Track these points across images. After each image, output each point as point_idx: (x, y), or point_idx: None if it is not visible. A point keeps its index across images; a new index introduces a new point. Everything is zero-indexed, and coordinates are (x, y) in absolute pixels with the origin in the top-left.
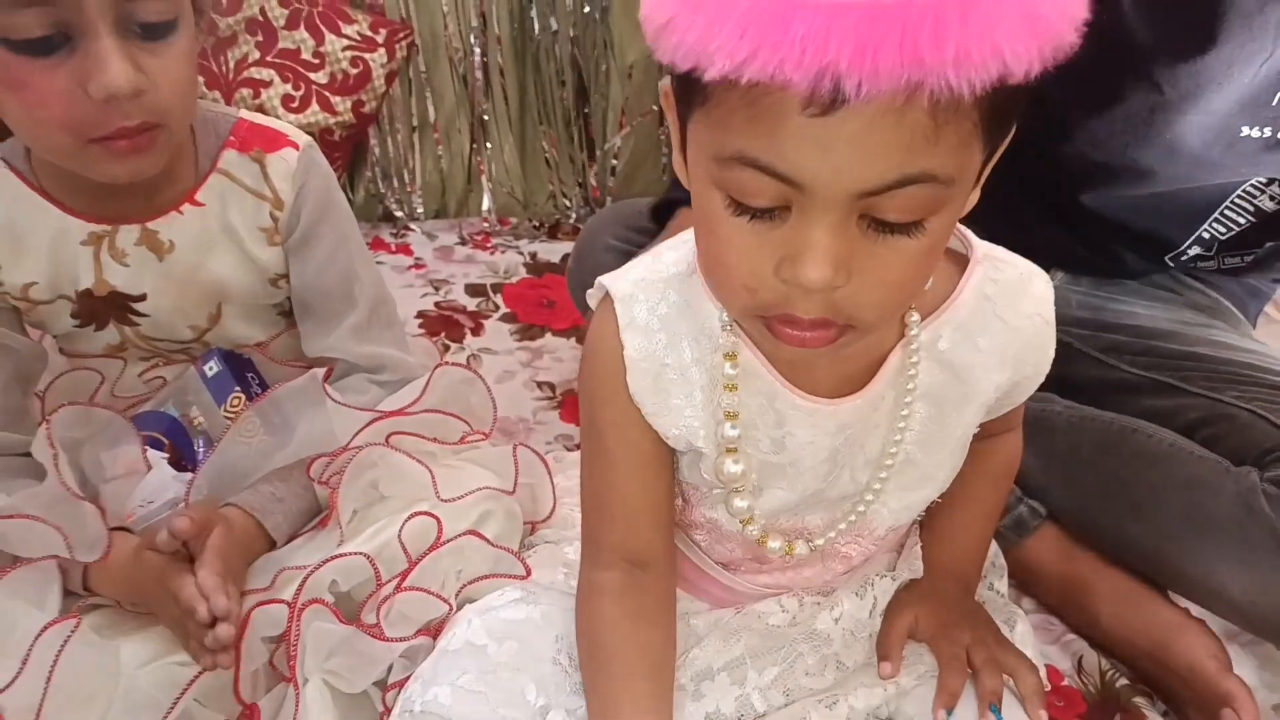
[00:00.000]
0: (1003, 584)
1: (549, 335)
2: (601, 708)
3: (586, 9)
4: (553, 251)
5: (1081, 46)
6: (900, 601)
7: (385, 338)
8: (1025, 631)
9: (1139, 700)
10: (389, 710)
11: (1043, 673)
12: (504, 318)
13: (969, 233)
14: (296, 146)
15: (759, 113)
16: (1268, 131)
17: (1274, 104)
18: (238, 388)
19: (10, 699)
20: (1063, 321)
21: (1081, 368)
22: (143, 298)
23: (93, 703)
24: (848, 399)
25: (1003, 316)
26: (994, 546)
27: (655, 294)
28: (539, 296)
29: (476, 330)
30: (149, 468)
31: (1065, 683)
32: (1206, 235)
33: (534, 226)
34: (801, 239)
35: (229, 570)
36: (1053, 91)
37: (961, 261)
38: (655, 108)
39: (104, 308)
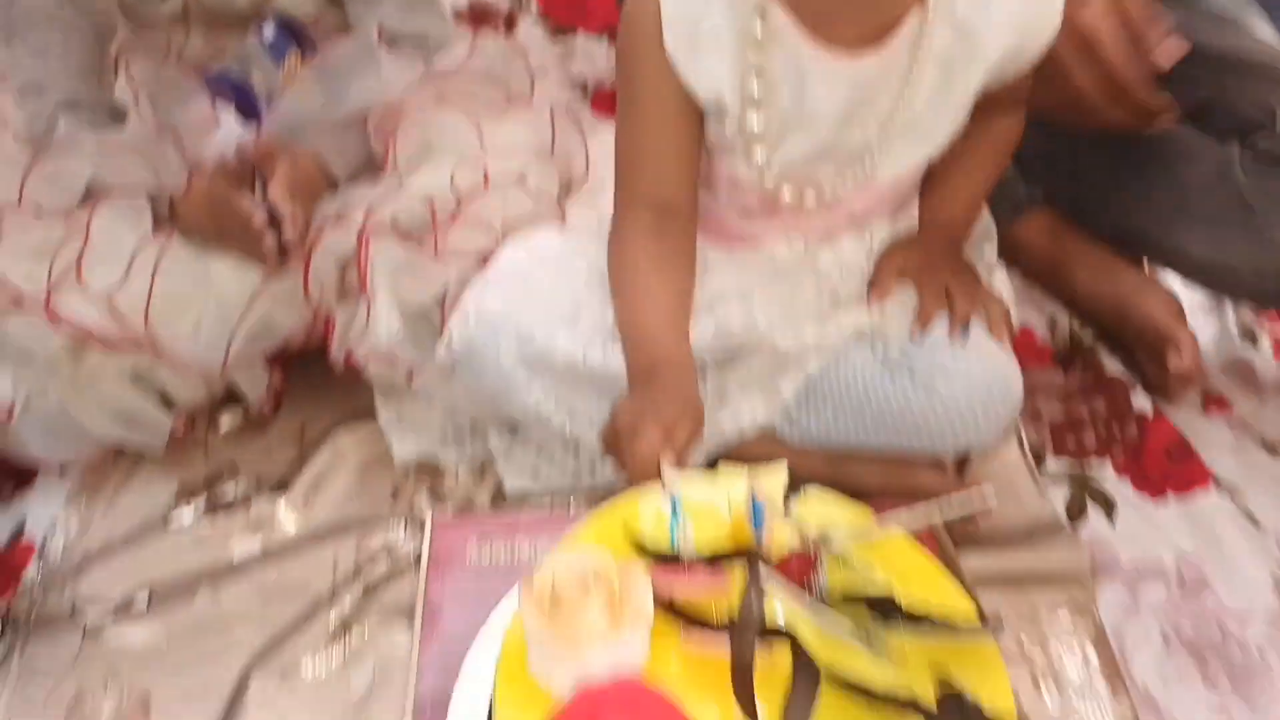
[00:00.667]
0: (991, 250)
1: (581, 35)
2: (630, 318)
3: None
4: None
5: None
6: (894, 247)
7: (429, 11)
8: (1002, 281)
9: (1099, 350)
10: (445, 321)
11: (1014, 316)
12: (537, 19)
13: None
14: None
15: None
16: None
17: None
18: (294, 51)
19: (120, 298)
20: None
21: None
22: None
23: (190, 304)
24: (866, 54)
25: None
26: (988, 219)
27: None
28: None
29: (510, 27)
30: (217, 120)
31: (1039, 341)
32: None
33: None
34: None
35: (297, 190)
36: None
37: None
38: None
39: None
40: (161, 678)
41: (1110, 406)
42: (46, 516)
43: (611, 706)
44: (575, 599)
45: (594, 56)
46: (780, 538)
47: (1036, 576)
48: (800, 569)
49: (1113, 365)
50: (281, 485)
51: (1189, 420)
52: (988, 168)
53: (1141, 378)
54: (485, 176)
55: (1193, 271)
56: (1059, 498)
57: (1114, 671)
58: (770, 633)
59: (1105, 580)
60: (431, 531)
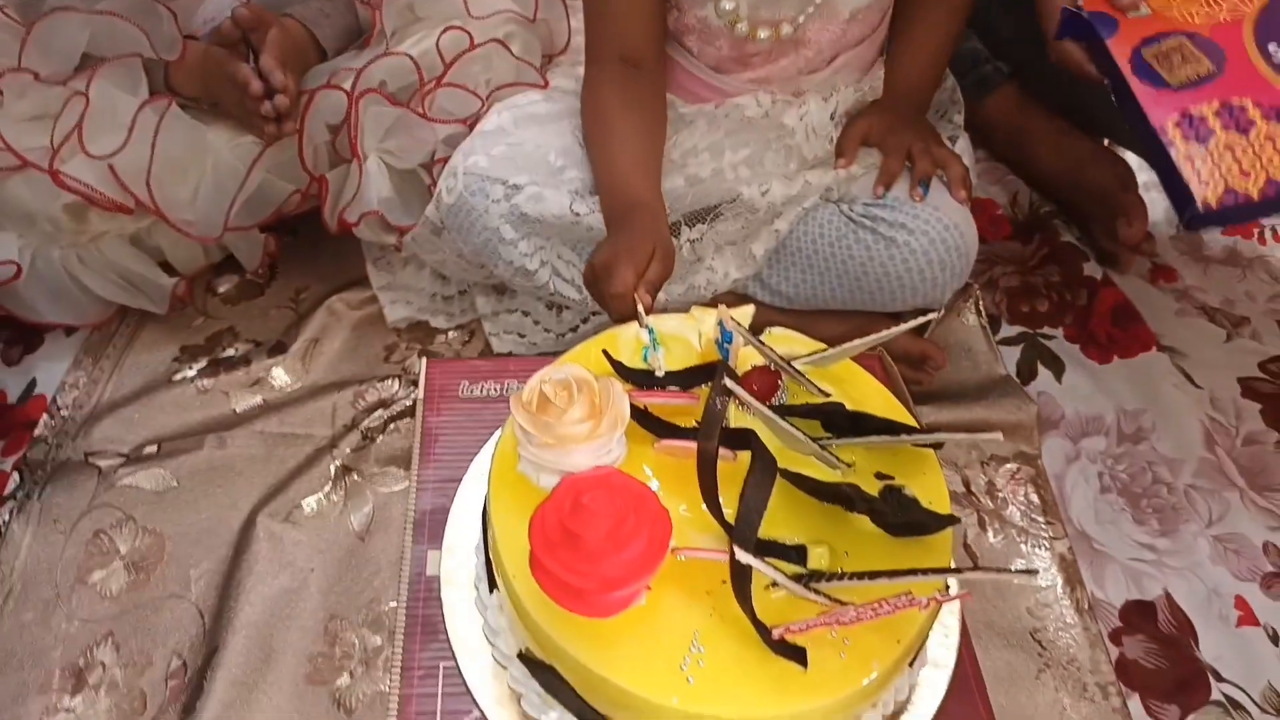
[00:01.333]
0: (959, 116)
1: None
2: (603, 165)
3: None
4: None
5: None
6: (858, 114)
7: None
8: (965, 147)
9: (1056, 222)
10: (435, 182)
11: (973, 178)
12: None
13: None
14: None
15: None
16: None
17: None
18: None
19: (121, 163)
20: None
21: None
22: None
23: (188, 171)
24: None
25: None
26: (955, 89)
27: None
28: None
29: None
30: None
31: (1000, 213)
32: None
33: None
34: None
35: (287, 58)
36: None
37: None
38: None
39: None
40: (174, 517)
41: (1063, 274)
42: (56, 375)
43: (592, 489)
44: (560, 403)
45: None
46: (745, 358)
47: (986, 426)
48: (763, 385)
49: (1069, 236)
50: (279, 348)
51: (1137, 289)
52: (941, 33)
53: (1094, 247)
54: (470, 41)
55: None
56: (1011, 359)
57: (1054, 513)
58: (733, 435)
59: (1050, 432)
60: (426, 371)
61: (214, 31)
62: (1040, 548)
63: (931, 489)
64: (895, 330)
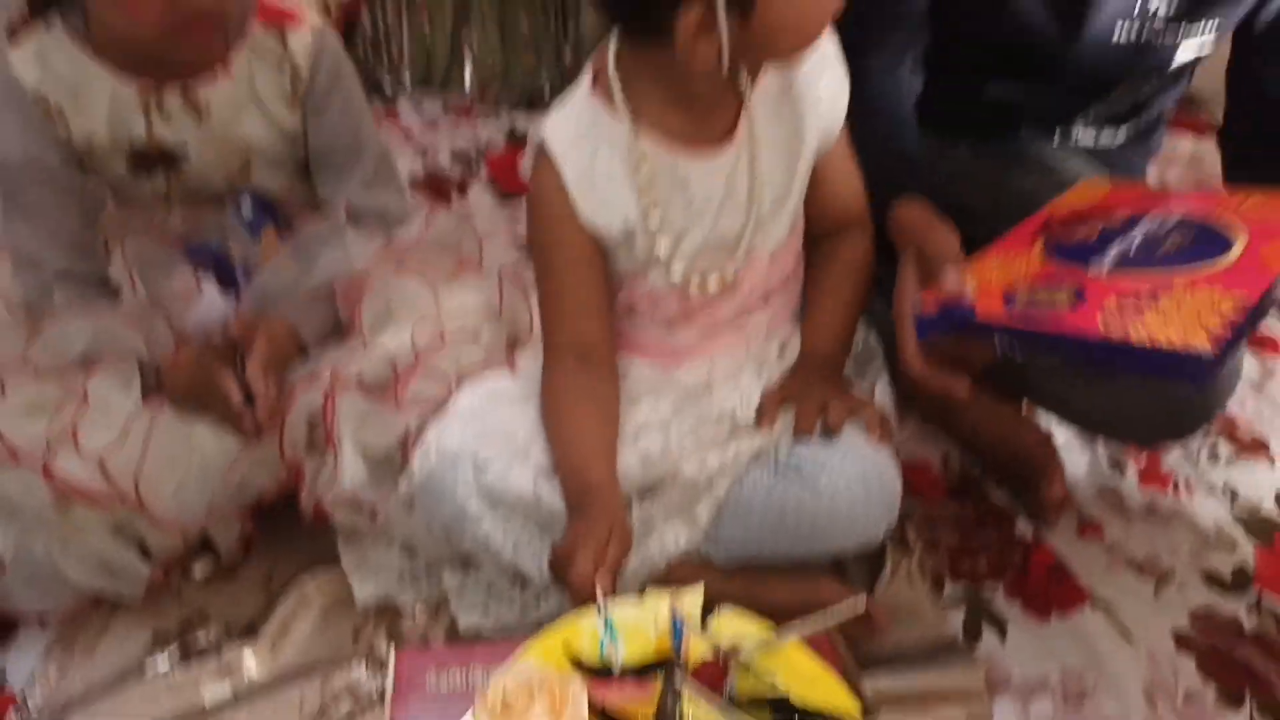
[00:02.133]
0: (876, 367)
1: (523, 199)
2: (562, 452)
3: None
4: (531, 123)
5: None
6: (778, 380)
7: (388, 188)
8: (883, 394)
9: (988, 485)
10: (406, 461)
11: (893, 424)
12: (487, 184)
13: None
14: (312, 25)
15: None
16: (1135, 30)
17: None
18: (269, 225)
19: (114, 461)
20: (963, 188)
21: (976, 227)
22: (185, 152)
23: (175, 468)
24: (723, 150)
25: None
26: (878, 344)
27: (572, 124)
28: (519, 165)
29: (462, 191)
30: (199, 290)
31: (935, 474)
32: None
33: (514, 97)
34: None
35: (271, 364)
36: None
37: None
38: None
39: (152, 159)
40: None
41: (998, 534)
42: (26, 667)
43: None
44: (522, 705)
45: None
46: (696, 649)
47: (938, 694)
48: (713, 676)
49: (999, 496)
50: (250, 630)
51: (1067, 545)
52: (847, 292)
53: (1023, 507)
54: (441, 335)
55: (1078, 418)
56: (957, 619)
57: None
58: None
59: (999, 696)
60: (394, 663)
61: (204, 334)
62: None
63: None
64: (830, 618)
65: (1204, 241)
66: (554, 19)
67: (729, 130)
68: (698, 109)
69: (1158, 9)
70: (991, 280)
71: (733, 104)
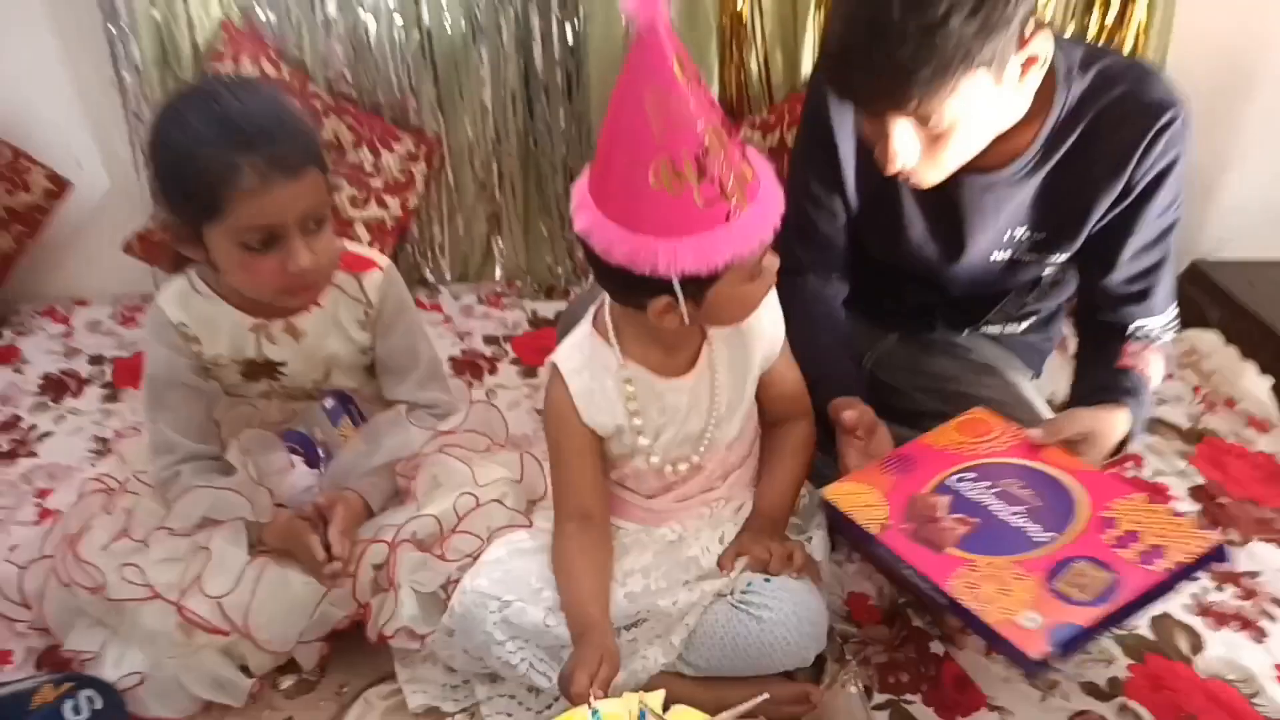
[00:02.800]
0: (821, 533)
1: (541, 373)
2: (567, 595)
3: (575, 130)
4: (549, 309)
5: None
6: (735, 538)
7: (437, 387)
8: (819, 543)
9: (909, 610)
10: (448, 599)
11: (824, 569)
12: (512, 361)
13: None
14: (381, 268)
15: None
16: (1006, 255)
17: (1004, 240)
18: (345, 416)
19: (229, 603)
20: (890, 368)
21: (899, 400)
22: (284, 364)
23: (275, 604)
24: (688, 375)
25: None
26: (820, 513)
27: (578, 353)
28: (538, 344)
29: (492, 370)
30: (292, 466)
31: (871, 603)
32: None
33: (535, 289)
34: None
35: (348, 528)
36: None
37: None
38: None
39: (260, 370)
40: None
41: (918, 652)
42: None
43: None
44: None
45: None
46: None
47: None
48: None
49: (919, 621)
50: None
51: (972, 663)
52: (791, 465)
53: (938, 630)
54: (477, 501)
55: None
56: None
57: None
58: None
59: None
60: None
61: (296, 503)
62: None
63: None
64: (751, 703)
65: (1054, 501)
66: (567, 227)
67: (693, 360)
68: (668, 346)
69: (1021, 238)
70: (888, 499)
71: (697, 340)
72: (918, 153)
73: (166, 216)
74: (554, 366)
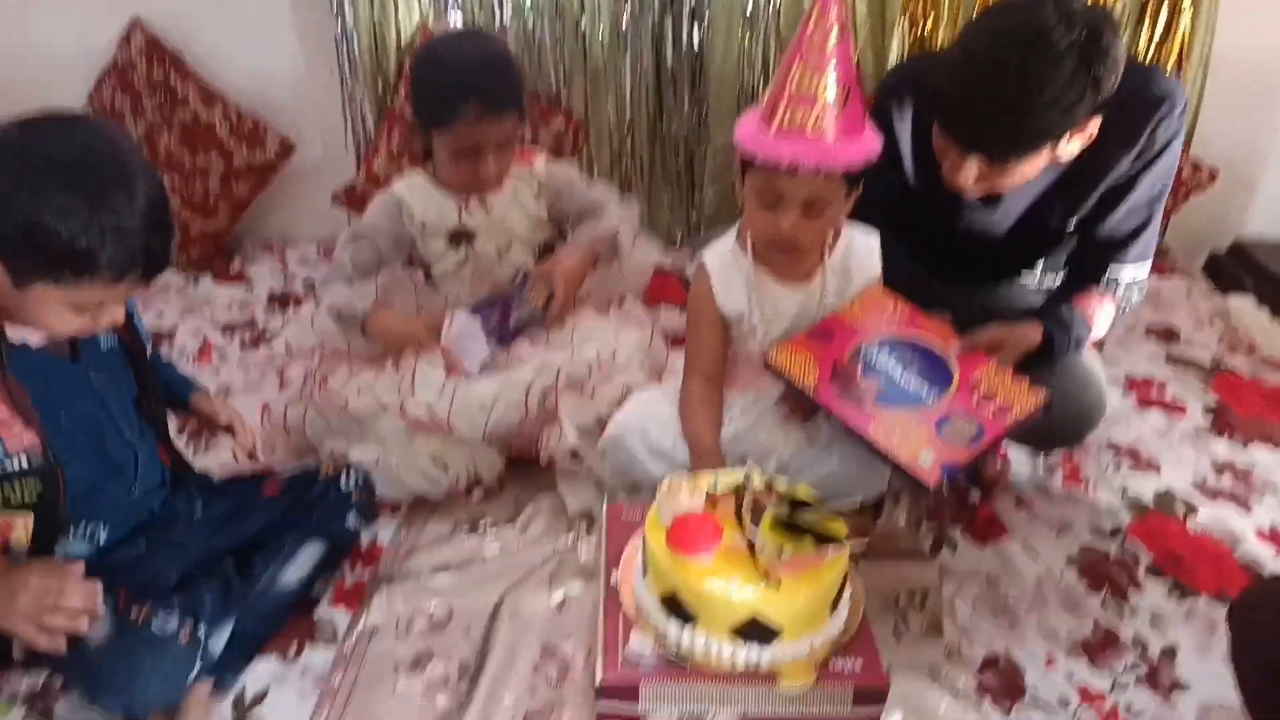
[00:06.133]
0: None
1: (662, 307)
2: (689, 429)
3: (695, 114)
4: (666, 260)
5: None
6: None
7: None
8: None
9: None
10: (601, 431)
11: None
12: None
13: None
14: (540, 156)
15: (769, 175)
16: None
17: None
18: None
19: (436, 407)
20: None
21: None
22: (478, 232)
23: (466, 409)
24: (802, 286)
25: (859, 254)
26: None
27: (720, 255)
28: (656, 287)
29: (620, 305)
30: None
31: None
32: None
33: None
34: (786, 216)
35: (570, 286)
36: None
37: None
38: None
39: (460, 236)
40: (458, 599)
41: (958, 501)
42: (388, 533)
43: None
44: (678, 488)
45: (674, 317)
46: (756, 482)
47: (908, 578)
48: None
49: (961, 479)
50: (510, 523)
51: (1005, 510)
52: None
53: (976, 484)
54: (614, 356)
55: None
56: (927, 543)
57: (942, 621)
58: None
59: (946, 580)
60: (606, 511)
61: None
62: (939, 635)
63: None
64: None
65: (937, 369)
66: (686, 193)
67: (811, 274)
68: (791, 263)
69: (1052, 205)
70: (819, 364)
71: (815, 260)
72: (975, 176)
73: (411, 120)
74: (701, 262)
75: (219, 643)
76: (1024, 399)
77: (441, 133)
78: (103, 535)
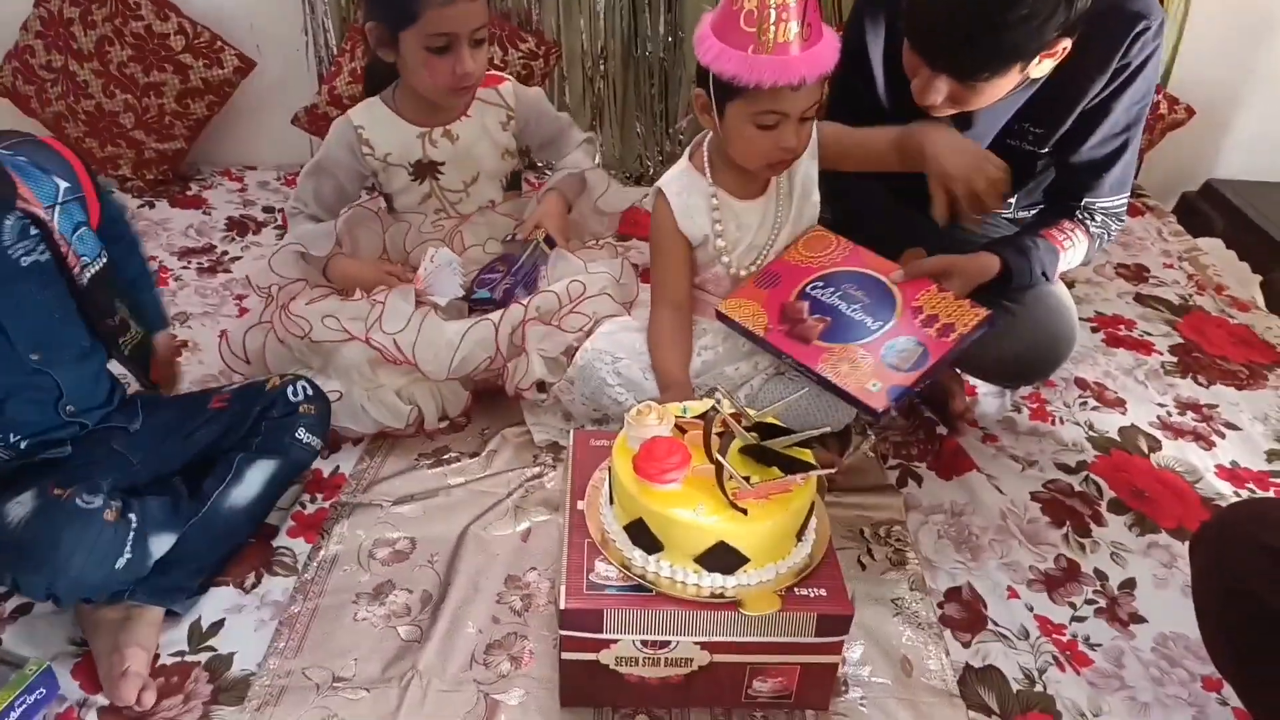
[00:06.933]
0: None
1: (634, 240)
2: (658, 360)
3: (670, 39)
4: (639, 193)
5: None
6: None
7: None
8: None
9: (921, 405)
10: (569, 360)
11: None
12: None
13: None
14: (509, 80)
15: (772, 97)
16: (1018, 143)
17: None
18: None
19: (401, 338)
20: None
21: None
22: (443, 164)
23: (432, 343)
24: (759, 199)
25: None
26: None
27: (677, 179)
28: (630, 219)
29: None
30: (436, 253)
31: None
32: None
33: (626, 176)
34: (792, 132)
35: (561, 226)
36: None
37: None
38: None
39: (424, 169)
40: (421, 530)
41: (926, 434)
42: (350, 463)
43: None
44: (645, 415)
45: (640, 249)
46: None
47: (874, 510)
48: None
49: (929, 413)
50: (474, 455)
51: (971, 444)
52: None
53: (942, 418)
54: (584, 289)
55: (970, 370)
56: (893, 477)
57: (911, 547)
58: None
59: (912, 511)
60: (574, 437)
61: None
62: (901, 568)
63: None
64: (812, 433)
65: (879, 298)
66: (659, 124)
67: (763, 188)
68: (747, 178)
69: (1028, 129)
70: (765, 308)
71: (767, 178)
72: (945, 95)
73: (372, 24)
74: (659, 190)
75: (160, 545)
76: (966, 316)
77: (409, 27)
78: (22, 444)
